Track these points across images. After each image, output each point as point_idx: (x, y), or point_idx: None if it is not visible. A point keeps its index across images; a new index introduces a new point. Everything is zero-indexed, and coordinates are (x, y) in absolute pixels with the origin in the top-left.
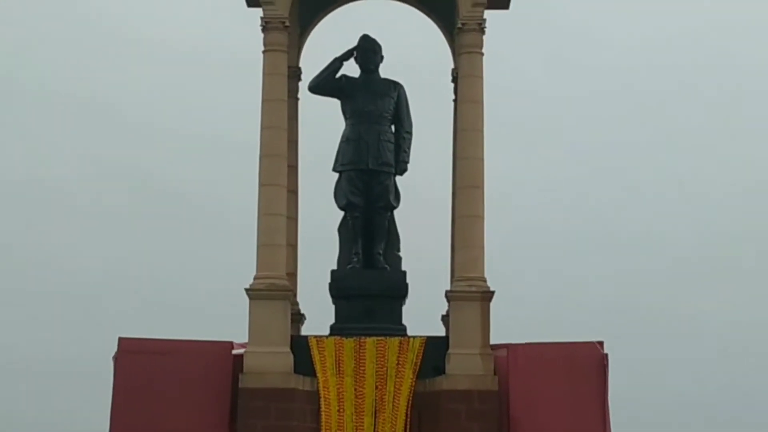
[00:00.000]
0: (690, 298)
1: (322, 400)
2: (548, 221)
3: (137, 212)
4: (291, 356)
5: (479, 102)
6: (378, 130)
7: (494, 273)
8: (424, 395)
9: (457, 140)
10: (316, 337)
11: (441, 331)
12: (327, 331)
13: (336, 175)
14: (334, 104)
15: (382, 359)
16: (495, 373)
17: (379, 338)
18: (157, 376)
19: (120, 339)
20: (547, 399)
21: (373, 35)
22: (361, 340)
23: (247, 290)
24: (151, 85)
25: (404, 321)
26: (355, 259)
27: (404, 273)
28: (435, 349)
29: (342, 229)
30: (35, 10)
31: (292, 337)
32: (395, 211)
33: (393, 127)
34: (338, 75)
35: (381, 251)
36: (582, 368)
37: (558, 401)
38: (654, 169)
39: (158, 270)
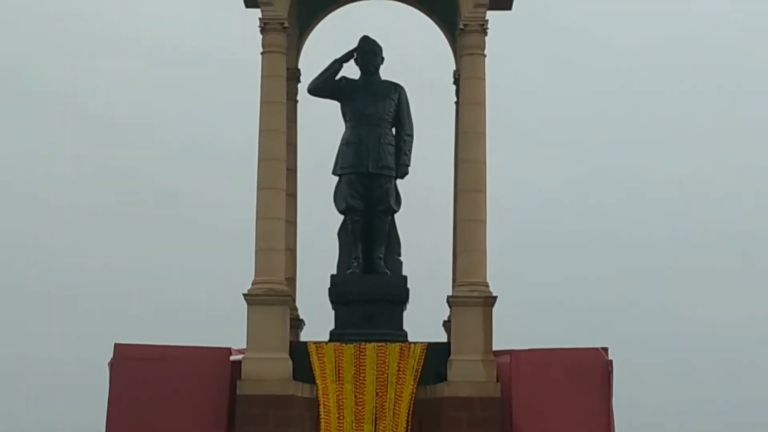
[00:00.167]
0: (691, 299)
1: (321, 407)
2: (549, 222)
3: (133, 215)
4: (290, 362)
5: (481, 104)
6: (378, 133)
7: (496, 278)
8: (426, 402)
9: (458, 143)
10: (315, 343)
11: (442, 337)
12: (326, 337)
13: (336, 179)
14: (333, 106)
15: (382, 366)
16: (497, 380)
17: (380, 344)
18: (153, 383)
19: (116, 345)
20: (551, 406)
21: (373, 36)
22: (361, 346)
23: (245, 295)
24: (146, 86)
25: (405, 327)
26: (355, 264)
27: (405, 278)
28: (436, 356)
29: (342, 233)
30: (31, 10)
31: (291, 343)
32: (396, 215)
33: (394, 130)
34: (338, 77)
35: (381, 256)
36: (586, 375)
37: (562, 409)
38: (654, 169)
39: (155, 274)
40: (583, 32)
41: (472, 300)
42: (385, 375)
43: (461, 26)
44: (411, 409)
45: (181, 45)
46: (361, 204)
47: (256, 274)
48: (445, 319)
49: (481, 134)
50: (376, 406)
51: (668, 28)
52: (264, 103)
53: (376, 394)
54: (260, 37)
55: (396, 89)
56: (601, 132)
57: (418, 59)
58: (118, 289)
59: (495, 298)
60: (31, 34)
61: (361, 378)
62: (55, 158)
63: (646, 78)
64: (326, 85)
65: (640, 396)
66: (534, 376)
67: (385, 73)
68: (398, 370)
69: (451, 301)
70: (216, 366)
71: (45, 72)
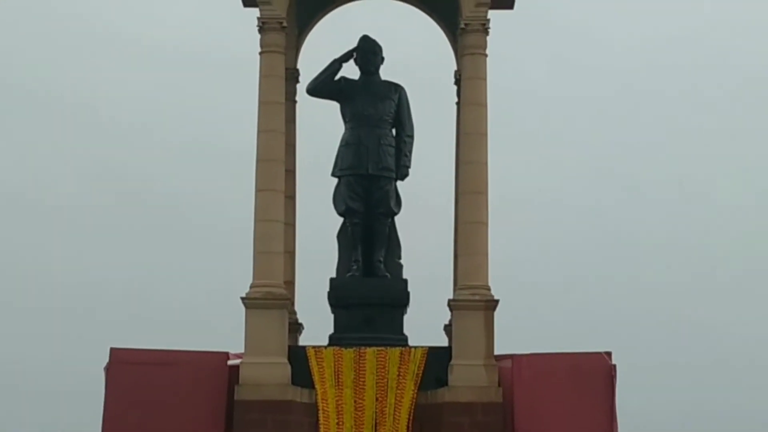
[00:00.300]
0: (690, 299)
1: (320, 412)
2: (551, 224)
3: (130, 218)
4: (288, 367)
5: (483, 104)
6: (378, 134)
7: (498, 281)
8: (426, 407)
9: (459, 144)
10: (314, 347)
11: (443, 341)
12: (326, 341)
13: (335, 180)
14: (332, 107)
15: (382, 370)
16: (499, 385)
17: (380, 348)
18: (150, 388)
19: (112, 349)
20: (553, 411)
21: (373, 36)
22: (361, 351)
23: (243, 299)
24: (145, 86)
25: (405, 331)
26: (355, 267)
27: (405, 281)
28: (437, 360)
29: (341, 235)
30: (31, 10)
31: (289, 347)
32: (396, 217)
33: (394, 131)
34: (337, 77)
35: (381, 259)
36: (589, 379)
37: (564, 413)
38: (654, 169)
39: (152, 278)
40: (585, 32)
41: (473, 303)
42: (385, 380)
43: (462, 26)
44: (411, 414)
45: (180, 45)
46: (361, 206)
47: (255, 277)
48: (446, 323)
49: (483, 135)
50: (375, 412)
51: (668, 28)
52: (262, 103)
53: (376, 399)
54: (258, 36)
55: (396, 90)
56: (602, 132)
57: (418, 59)
58: (114, 292)
59: (497, 301)
60: (31, 34)
61: (361, 383)
62: (55, 158)
63: (646, 78)
64: (325, 86)
65: (643, 400)
66: (536, 380)
67: (385, 73)
68: (398, 375)
69: (452, 305)
70: (213, 370)
71: (45, 72)
